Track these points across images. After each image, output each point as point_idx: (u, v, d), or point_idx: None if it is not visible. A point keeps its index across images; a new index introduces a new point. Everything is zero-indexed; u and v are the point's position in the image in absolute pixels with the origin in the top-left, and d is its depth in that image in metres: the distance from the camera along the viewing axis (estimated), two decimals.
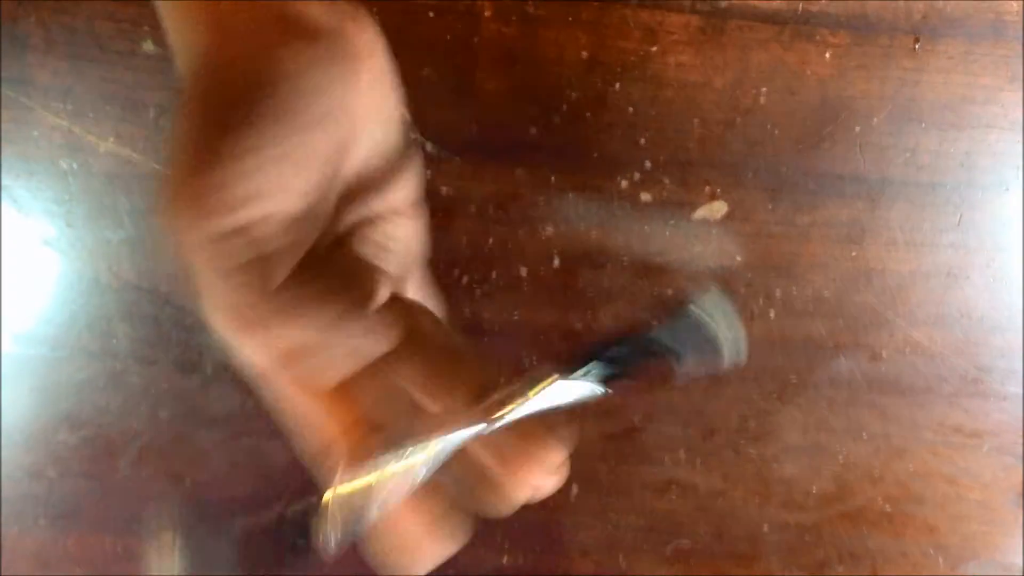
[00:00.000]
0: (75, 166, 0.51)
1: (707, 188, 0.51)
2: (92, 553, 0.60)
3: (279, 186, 0.31)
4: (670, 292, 0.53)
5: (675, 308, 0.37)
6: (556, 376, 0.35)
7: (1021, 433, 0.56)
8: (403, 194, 0.38)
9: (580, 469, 0.58)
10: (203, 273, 0.31)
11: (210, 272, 0.31)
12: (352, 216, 0.37)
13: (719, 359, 0.37)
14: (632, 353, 0.37)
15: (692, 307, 0.37)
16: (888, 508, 0.58)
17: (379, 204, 0.37)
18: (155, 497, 0.59)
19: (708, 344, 0.37)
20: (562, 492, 0.59)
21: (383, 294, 0.36)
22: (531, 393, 0.34)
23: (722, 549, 0.60)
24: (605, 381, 0.36)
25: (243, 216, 0.30)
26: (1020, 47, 0.47)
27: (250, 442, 0.57)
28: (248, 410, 0.56)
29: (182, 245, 0.30)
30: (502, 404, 0.34)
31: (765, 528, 0.59)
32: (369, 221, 0.37)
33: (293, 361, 0.33)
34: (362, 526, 0.34)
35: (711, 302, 0.37)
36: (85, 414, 0.57)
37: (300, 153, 0.31)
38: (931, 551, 0.59)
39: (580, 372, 0.35)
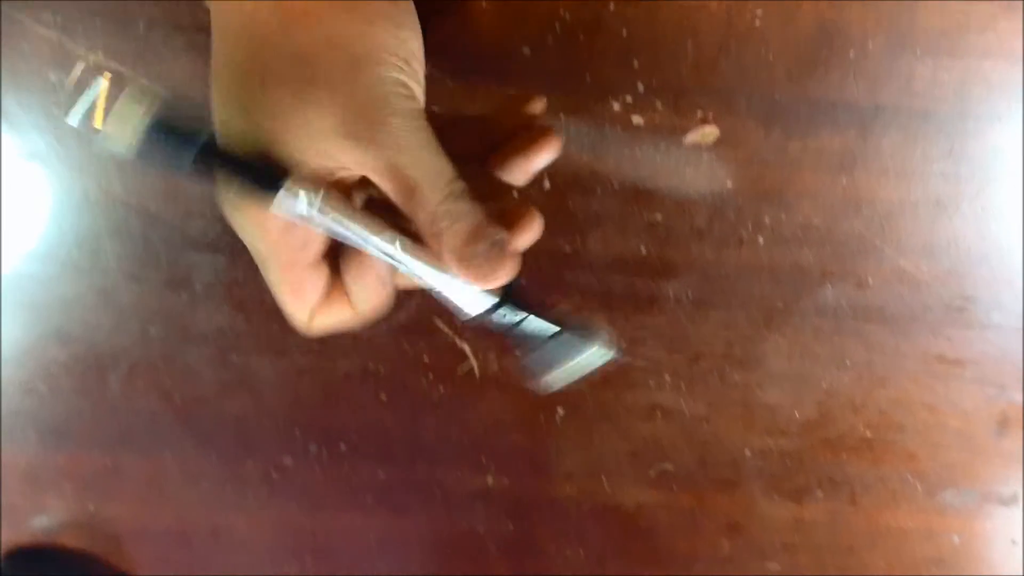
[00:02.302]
0: (65, 79, 0.50)
1: (699, 113, 0.51)
2: (82, 468, 0.61)
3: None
4: (659, 217, 0.53)
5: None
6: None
7: (1003, 363, 0.57)
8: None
9: (565, 393, 0.58)
10: None
11: None
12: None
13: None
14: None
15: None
16: (869, 435, 0.59)
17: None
18: (145, 414, 0.59)
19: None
20: (547, 416, 0.60)
21: None
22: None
23: (705, 474, 0.61)
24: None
25: None
26: None
27: (239, 359, 0.57)
28: (237, 327, 0.56)
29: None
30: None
31: (747, 453, 0.60)
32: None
33: None
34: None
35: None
36: (75, 331, 0.57)
37: None
38: (910, 478, 0.61)
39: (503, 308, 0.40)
